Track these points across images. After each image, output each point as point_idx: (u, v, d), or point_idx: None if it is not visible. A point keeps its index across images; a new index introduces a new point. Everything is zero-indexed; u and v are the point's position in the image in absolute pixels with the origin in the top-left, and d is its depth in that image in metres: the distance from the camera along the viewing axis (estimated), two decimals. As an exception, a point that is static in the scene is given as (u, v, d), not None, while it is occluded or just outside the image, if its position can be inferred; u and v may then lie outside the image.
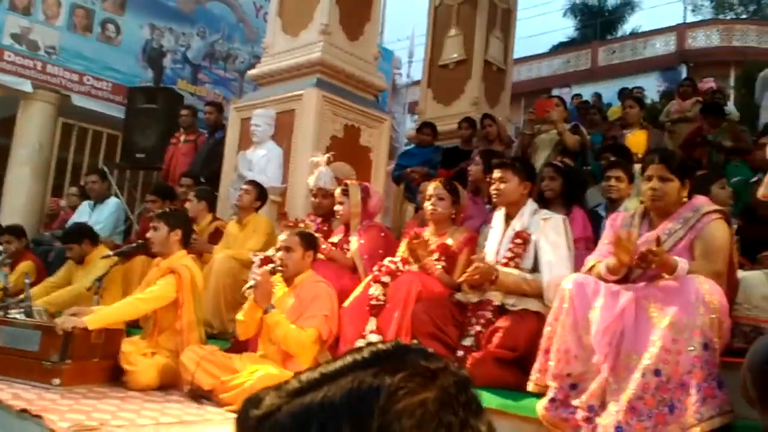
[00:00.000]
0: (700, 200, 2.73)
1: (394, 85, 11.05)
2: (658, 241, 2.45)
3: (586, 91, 12.97)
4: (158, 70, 9.49)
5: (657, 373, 2.26)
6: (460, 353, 3.06)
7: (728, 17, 22.72)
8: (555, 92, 14.75)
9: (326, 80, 5.44)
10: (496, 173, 3.39)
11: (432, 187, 3.74)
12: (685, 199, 2.71)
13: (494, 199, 3.43)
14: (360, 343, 3.25)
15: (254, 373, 3.04)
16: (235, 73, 10.36)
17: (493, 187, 3.41)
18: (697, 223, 2.62)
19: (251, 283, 3.39)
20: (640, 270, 2.60)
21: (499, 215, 3.44)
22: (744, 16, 23.32)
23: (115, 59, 8.95)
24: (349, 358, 0.60)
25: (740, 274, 2.79)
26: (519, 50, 9.52)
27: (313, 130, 5.19)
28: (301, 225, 4.16)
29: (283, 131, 5.35)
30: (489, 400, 2.78)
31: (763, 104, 7.14)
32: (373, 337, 3.30)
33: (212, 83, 10.17)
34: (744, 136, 5.57)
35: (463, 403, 0.57)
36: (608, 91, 12.86)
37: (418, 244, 3.45)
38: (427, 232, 3.73)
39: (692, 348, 2.22)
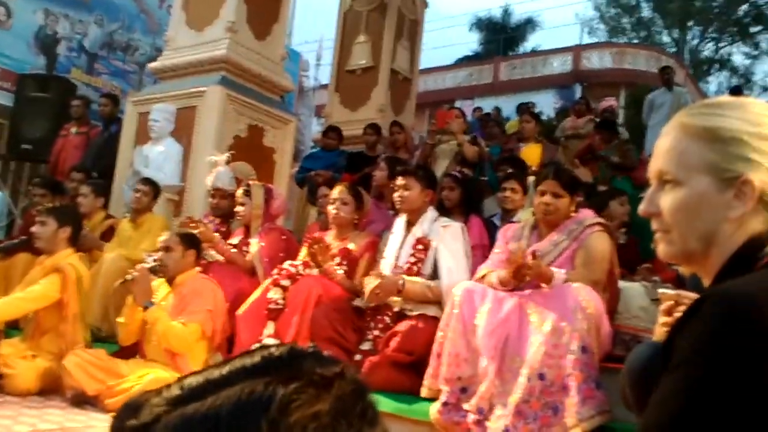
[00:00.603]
0: (585, 213, 2.90)
1: (302, 87, 10.99)
2: (534, 256, 2.58)
3: (488, 105, 13.40)
4: (51, 58, 8.97)
5: (541, 377, 2.38)
6: (358, 357, 3.08)
7: (621, 41, 24.18)
8: (458, 104, 15.16)
9: (231, 78, 5.33)
10: (400, 180, 3.46)
11: (336, 192, 3.75)
12: (573, 214, 2.87)
13: (398, 206, 3.49)
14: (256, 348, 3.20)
15: (143, 378, 2.93)
16: (135, 65, 9.95)
17: (396, 193, 3.46)
18: (580, 235, 2.79)
19: (128, 277, 3.29)
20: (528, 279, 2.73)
21: (400, 221, 3.50)
22: (636, 41, 24.91)
23: (5, 44, 8.38)
24: (238, 363, 0.55)
25: (621, 284, 2.97)
26: (425, 61, 9.71)
27: (215, 129, 5.08)
28: (208, 224, 4.07)
29: (183, 128, 5.20)
30: (384, 404, 2.81)
31: (650, 124, 7.68)
32: (271, 342, 3.26)
33: (110, 74, 9.73)
34: (630, 154, 5.93)
35: (358, 413, 0.54)
36: (508, 105, 13.33)
37: (318, 248, 3.45)
38: (329, 236, 3.73)
39: (571, 352, 2.35)
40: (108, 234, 4.74)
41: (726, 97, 1.02)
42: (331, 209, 3.71)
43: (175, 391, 0.53)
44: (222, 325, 3.40)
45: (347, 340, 3.17)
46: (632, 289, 2.92)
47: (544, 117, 12.08)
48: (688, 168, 0.97)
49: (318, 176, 6.01)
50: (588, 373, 2.34)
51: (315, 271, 3.51)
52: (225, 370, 0.54)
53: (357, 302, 3.31)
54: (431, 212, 3.44)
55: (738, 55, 26.62)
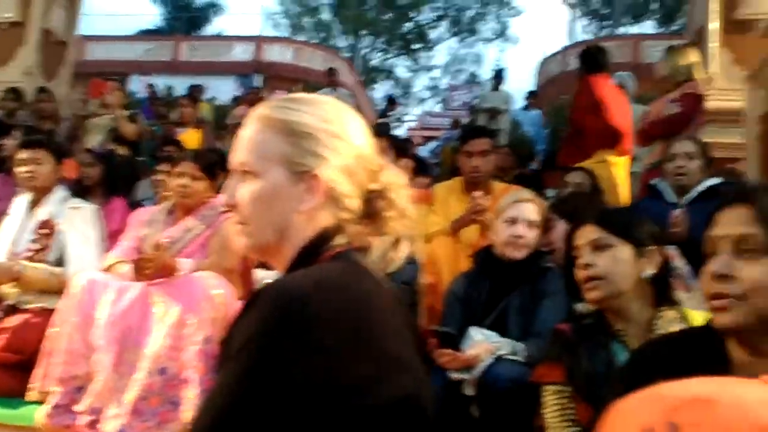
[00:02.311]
0: (220, 200, 2.87)
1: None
2: (158, 246, 2.48)
3: (167, 83, 12.84)
4: None
5: (162, 372, 2.27)
6: (-46, 358, 2.62)
7: (302, 38, 25.30)
8: (134, 79, 14.28)
9: None
10: (27, 153, 3.04)
11: (-63, 162, 3.14)
12: (210, 198, 2.81)
13: (25, 183, 3.05)
14: None
15: None
16: None
17: (24, 168, 3.02)
18: (214, 221, 2.75)
19: None
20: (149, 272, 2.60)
21: (21, 201, 3.08)
22: (315, 41, 26.31)
23: None
24: None
25: (259, 273, 3.00)
26: (100, 27, 8.88)
27: None
28: None
29: None
30: (-16, 410, 2.45)
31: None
32: None
33: None
34: None
35: None
36: (187, 85, 12.96)
37: None
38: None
39: (195, 343, 2.29)
40: None
41: (304, 94, 1.04)
42: (-68, 182, 3.10)
43: None
44: None
45: (-63, 339, 2.67)
46: (267, 276, 2.94)
47: (220, 103, 12.02)
48: (266, 159, 0.97)
49: (-67, 142, 5.04)
50: (210, 365, 2.29)
51: None
52: None
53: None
54: (60, 191, 3.08)
55: (401, 68, 29.94)
